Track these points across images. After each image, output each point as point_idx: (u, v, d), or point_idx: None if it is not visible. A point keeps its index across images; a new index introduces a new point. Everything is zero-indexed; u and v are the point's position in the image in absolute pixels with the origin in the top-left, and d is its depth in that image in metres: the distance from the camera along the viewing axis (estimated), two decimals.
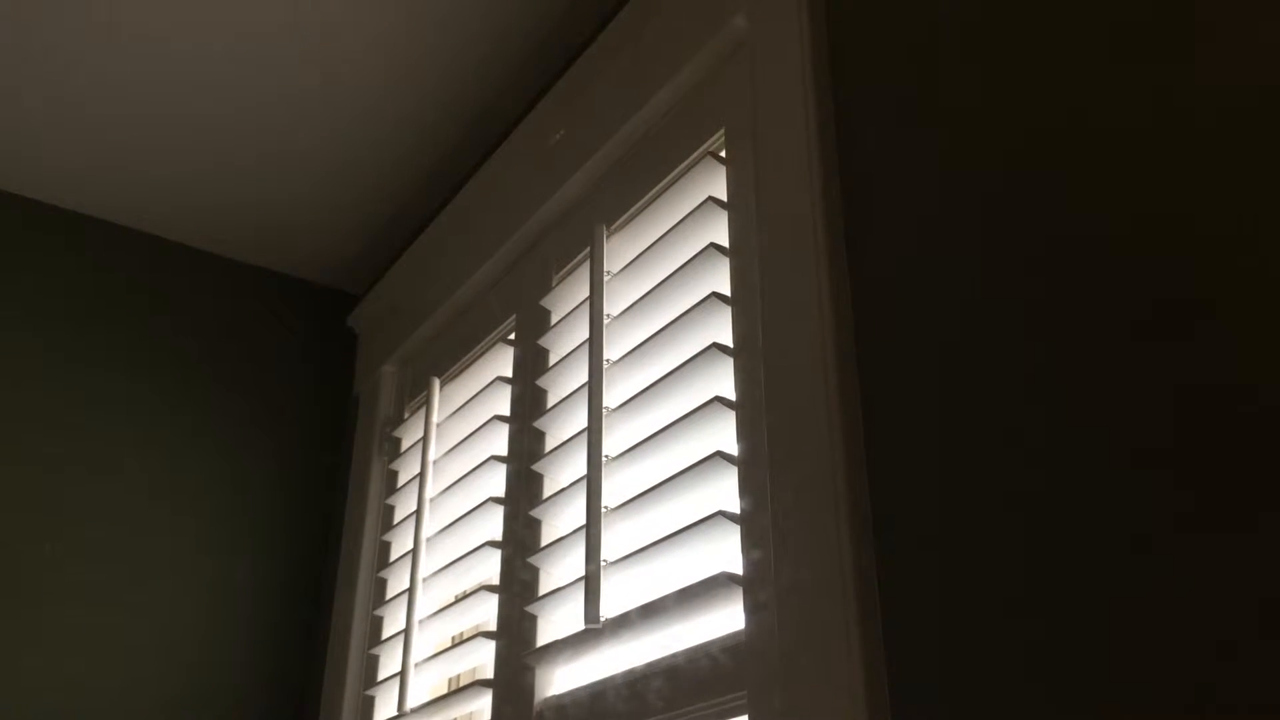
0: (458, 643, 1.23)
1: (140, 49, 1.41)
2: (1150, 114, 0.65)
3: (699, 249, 1.03)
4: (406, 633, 1.31)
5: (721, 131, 1.06)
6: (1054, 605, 0.63)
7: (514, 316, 1.36)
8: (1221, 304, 0.59)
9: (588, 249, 1.20)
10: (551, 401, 1.22)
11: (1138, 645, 0.58)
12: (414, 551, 1.35)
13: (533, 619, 1.11)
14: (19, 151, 1.58)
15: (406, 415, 1.59)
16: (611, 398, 1.10)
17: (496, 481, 1.30)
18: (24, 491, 1.51)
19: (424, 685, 1.31)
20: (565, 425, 1.18)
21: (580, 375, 1.18)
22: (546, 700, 1.07)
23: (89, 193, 1.65)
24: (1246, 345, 0.57)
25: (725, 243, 1.01)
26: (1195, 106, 0.63)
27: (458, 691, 1.19)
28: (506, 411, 1.31)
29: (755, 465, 0.88)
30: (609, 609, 0.99)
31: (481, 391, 1.35)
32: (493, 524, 1.28)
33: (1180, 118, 0.63)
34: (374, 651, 1.42)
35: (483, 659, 1.22)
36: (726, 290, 1.00)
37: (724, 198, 1.03)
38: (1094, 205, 0.67)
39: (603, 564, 1.00)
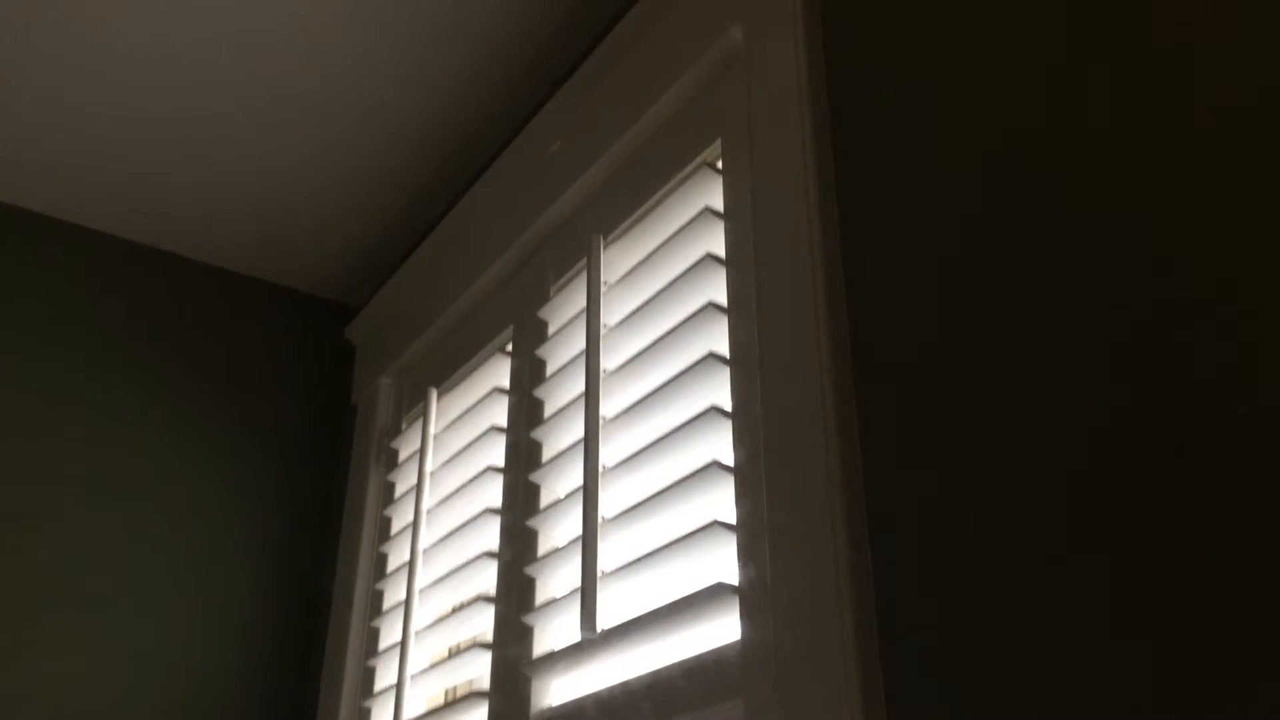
0: (454, 654, 1.23)
1: (135, 53, 1.41)
2: (1148, 113, 0.65)
3: (696, 259, 1.03)
4: (403, 644, 1.30)
5: (718, 142, 1.06)
6: (1051, 612, 0.63)
7: (511, 327, 1.36)
8: (1221, 303, 0.59)
9: (585, 259, 1.20)
10: (549, 412, 1.22)
11: (1133, 645, 0.58)
12: (411, 562, 1.35)
13: (529, 630, 1.11)
14: (9, 158, 1.58)
15: (404, 426, 1.59)
16: (608, 408, 1.10)
17: (493, 492, 1.30)
18: (21, 501, 1.50)
19: (420, 696, 1.31)
20: (562, 435, 1.18)
21: (577, 385, 1.18)
22: (543, 711, 1.06)
23: (83, 202, 1.66)
24: (1245, 344, 0.57)
25: (722, 253, 1.02)
26: (1195, 106, 0.63)
27: (454, 703, 1.18)
28: (504, 422, 1.31)
29: (752, 474, 0.88)
30: (605, 619, 0.99)
31: (479, 402, 1.35)
32: (490, 535, 1.27)
33: (1181, 117, 0.64)
34: (370, 663, 1.42)
35: (479, 670, 1.22)
36: (723, 300, 1.00)
37: (721, 208, 1.04)
38: (1093, 208, 0.67)
39: (599, 574, 1.00)
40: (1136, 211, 0.64)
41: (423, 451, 1.42)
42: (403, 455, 1.56)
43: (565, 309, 1.25)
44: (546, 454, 1.20)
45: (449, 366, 1.50)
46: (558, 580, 1.12)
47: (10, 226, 1.64)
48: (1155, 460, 0.60)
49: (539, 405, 1.23)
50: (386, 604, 1.46)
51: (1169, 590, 0.57)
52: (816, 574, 0.77)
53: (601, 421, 1.07)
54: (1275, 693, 0.51)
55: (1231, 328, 0.58)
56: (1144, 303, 0.62)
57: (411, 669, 1.29)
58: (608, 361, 1.12)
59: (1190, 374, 0.59)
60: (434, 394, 1.46)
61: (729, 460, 0.92)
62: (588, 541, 1.01)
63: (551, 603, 1.06)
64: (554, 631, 1.11)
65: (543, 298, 1.29)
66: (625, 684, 0.96)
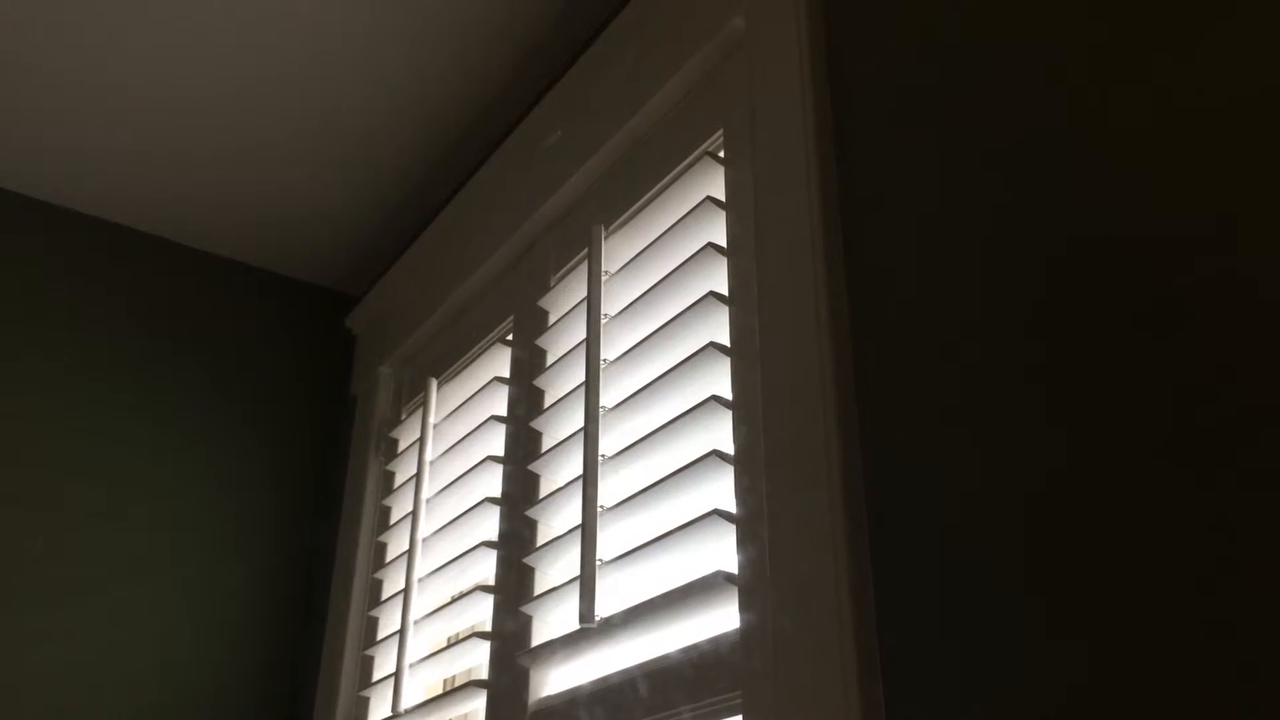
0: (453, 643, 1.23)
1: (132, 37, 1.41)
2: (1151, 112, 0.65)
3: (697, 248, 1.03)
4: (401, 633, 1.30)
5: (720, 132, 1.06)
6: (1051, 605, 0.63)
7: (512, 317, 1.36)
8: (1221, 302, 0.59)
9: (586, 249, 1.20)
10: (549, 401, 1.22)
11: (1131, 641, 0.58)
12: (410, 552, 1.35)
13: (528, 619, 1.11)
14: (3, 143, 1.57)
15: (404, 416, 1.59)
16: (608, 397, 1.10)
17: (493, 482, 1.30)
18: (13, 488, 1.50)
19: (419, 686, 1.31)
20: (562, 425, 1.18)
21: (577, 375, 1.18)
22: (541, 700, 1.06)
23: (79, 188, 1.65)
24: (1244, 344, 0.57)
25: (723, 242, 1.01)
26: (1196, 105, 0.63)
27: (452, 692, 1.18)
28: (504, 412, 1.31)
29: (751, 464, 0.88)
30: (604, 608, 0.99)
31: (479, 392, 1.35)
32: (489, 524, 1.27)
33: (1182, 116, 0.63)
34: (369, 652, 1.42)
35: (478, 659, 1.22)
36: (724, 290, 1.00)
37: (722, 197, 1.03)
38: (1095, 204, 0.67)
39: (598, 563, 1.00)
40: (1139, 208, 0.64)
41: (422, 441, 1.42)
42: (402, 445, 1.56)
43: (566, 298, 1.25)
44: (546, 443, 1.20)
45: (449, 356, 1.50)
46: (556, 569, 1.12)
47: (2, 210, 1.64)
48: (1156, 453, 0.59)
49: (539, 395, 1.23)
50: (385, 593, 1.46)
51: (1169, 585, 0.57)
52: (816, 563, 0.77)
53: (601, 411, 1.07)
54: (1272, 693, 0.51)
55: (1225, 325, 0.57)
56: (1145, 303, 0.62)
57: (410, 658, 1.29)
58: (608, 351, 1.11)
59: (1191, 371, 0.59)
60: (434, 384, 1.46)
61: (729, 449, 0.92)
62: (587, 530, 1.01)
63: (550, 592, 1.06)
64: (552, 620, 1.11)
65: (543, 287, 1.29)
66: (623, 673, 0.96)
